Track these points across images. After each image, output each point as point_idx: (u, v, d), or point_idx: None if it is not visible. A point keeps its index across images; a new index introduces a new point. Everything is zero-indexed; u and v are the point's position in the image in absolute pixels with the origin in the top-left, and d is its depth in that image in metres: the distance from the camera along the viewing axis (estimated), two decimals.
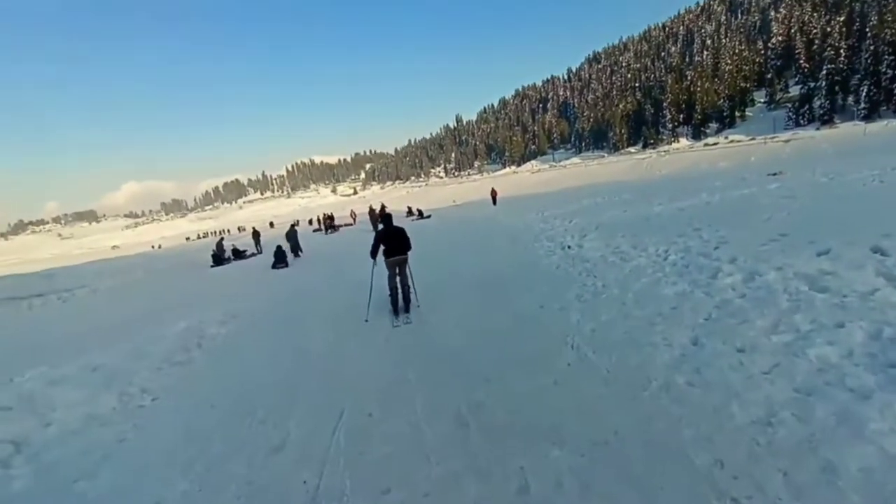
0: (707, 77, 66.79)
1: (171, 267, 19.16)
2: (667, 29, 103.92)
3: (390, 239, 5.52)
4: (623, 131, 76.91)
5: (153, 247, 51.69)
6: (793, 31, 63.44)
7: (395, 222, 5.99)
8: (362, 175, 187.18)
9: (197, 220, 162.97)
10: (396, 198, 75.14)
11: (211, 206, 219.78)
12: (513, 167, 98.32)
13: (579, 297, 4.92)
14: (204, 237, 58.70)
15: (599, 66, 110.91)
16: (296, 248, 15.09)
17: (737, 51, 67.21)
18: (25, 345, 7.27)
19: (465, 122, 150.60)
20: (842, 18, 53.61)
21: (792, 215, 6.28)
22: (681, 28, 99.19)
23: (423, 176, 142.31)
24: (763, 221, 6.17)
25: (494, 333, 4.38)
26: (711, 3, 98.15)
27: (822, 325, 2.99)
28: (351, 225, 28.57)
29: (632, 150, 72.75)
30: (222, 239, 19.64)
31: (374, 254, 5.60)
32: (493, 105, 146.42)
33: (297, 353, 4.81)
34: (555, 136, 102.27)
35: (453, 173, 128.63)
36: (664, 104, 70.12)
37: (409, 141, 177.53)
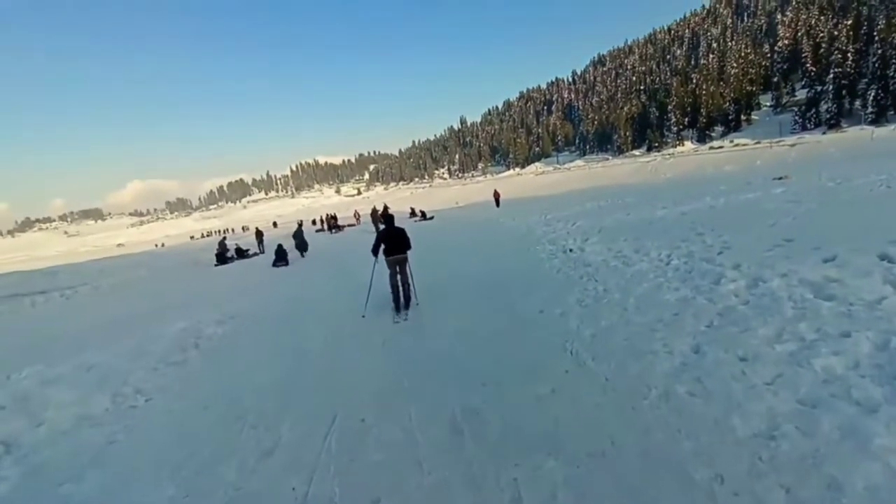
0: (713, 80, 66.47)
1: (175, 265, 19.24)
2: (672, 32, 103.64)
3: (391, 238, 5.73)
4: (627, 134, 76.66)
5: (156, 245, 51.91)
6: (799, 34, 63.08)
7: (398, 223, 6.23)
8: (366, 176, 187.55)
9: (201, 220, 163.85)
10: (400, 199, 75.30)
11: (215, 206, 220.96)
12: (517, 169, 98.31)
13: (580, 302, 4.85)
14: (208, 236, 58.98)
15: (604, 69, 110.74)
16: (301, 247, 15.26)
17: (743, 54, 66.83)
18: (25, 342, 7.27)
19: (469, 124, 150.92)
20: (849, 22, 53.18)
21: (797, 220, 6.19)
22: (686, 31, 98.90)
23: (426, 177, 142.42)
24: (768, 226, 6.08)
25: (493, 337, 4.32)
26: (717, 6, 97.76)
27: (828, 335, 2.91)
28: (354, 225, 28.71)
29: (636, 152, 72.48)
30: (224, 238, 19.70)
31: (375, 252, 5.81)
32: (497, 107, 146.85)
33: (294, 354, 4.77)
34: (559, 138, 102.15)
35: (457, 175, 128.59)
36: (669, 107, 69.87)
37: (414, 142, 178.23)
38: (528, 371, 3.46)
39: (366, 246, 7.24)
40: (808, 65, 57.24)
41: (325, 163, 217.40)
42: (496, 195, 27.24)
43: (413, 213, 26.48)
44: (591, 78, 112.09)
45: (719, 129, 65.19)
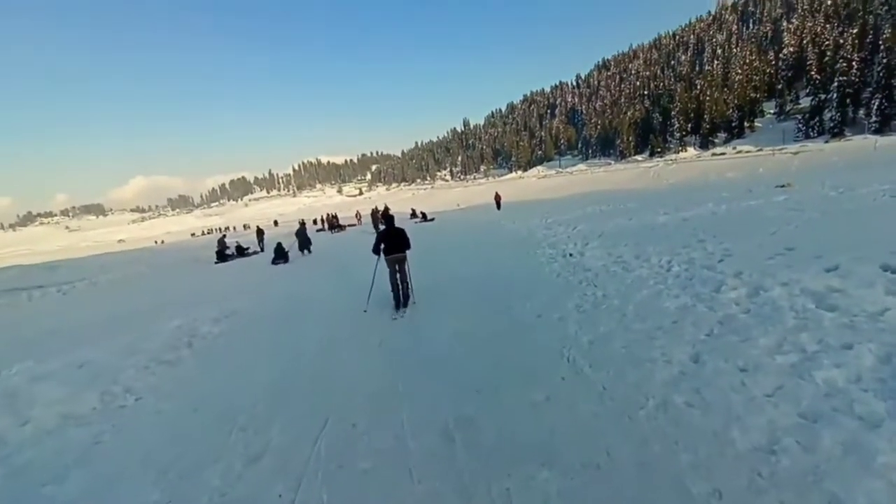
0: (717, 86, 66.35)
1: (175, 262, 19.21)
2: (677, 37, 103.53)
3: (391, 238, 5.91)
4: (630, 139, 76.53)
5: (156, 242, 51.86)
6: (805, 42, 62.93)
7: (399, 224, 6.39)
8: (368, 176, 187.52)
9: (203, 217, 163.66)
10: (401, 200, 75.25)
11: (217, 203, 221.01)
12: (519, 172, 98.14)
13: (578, 308, 4.79)
14: (209, 233, 58.96)
15: (608, 73, 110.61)
16: (304, 246, 15.41)
17: (747, 61, 66.65)
18: (18, 337, 7.23)
19: (472, 126, 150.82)
20: (855, 31, 53.03)
21: (799, 229, 6.12)
22: (691, 37, 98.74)
23: (428, 178, 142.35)
24: (770, 234, 6.02)
25: (489, 341, 4.26)
26: (723, 12, 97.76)
27: (830, 346, 2.85)
28: (355, 225, 28.73)
29: (638, 157, 72.30)
30: (224, 236, 19.64)
31: (376, 251, 5.96)
32: (500, 110, 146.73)
33: (290, 354, 4.72)
34: (562, 142, 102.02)
35: (459, 177, 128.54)
36: (672, 113, 69.72)
37: (416, 143, 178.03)
38: (524, 377, 3.40)
39: (366, 246, 7.25)
40: (812, 73, 56.98)
41: (328, 162, 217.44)
42: (497, 198, 27.15)
43: (414, 215, 26.42)
44: (596, 82, 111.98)
45: (722, 135, 64.98)
